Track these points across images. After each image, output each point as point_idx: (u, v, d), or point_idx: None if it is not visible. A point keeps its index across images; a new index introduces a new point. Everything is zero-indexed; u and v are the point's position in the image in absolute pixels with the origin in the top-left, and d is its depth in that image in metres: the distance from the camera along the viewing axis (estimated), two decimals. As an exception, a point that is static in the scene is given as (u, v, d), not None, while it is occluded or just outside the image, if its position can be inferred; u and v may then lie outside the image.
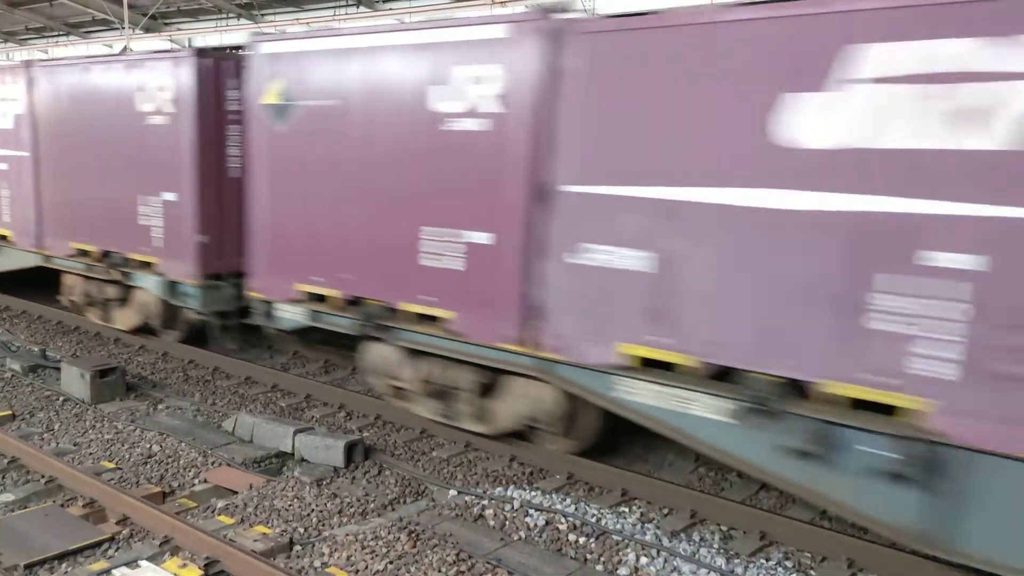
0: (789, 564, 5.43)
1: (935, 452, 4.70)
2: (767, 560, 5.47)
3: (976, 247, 4.44)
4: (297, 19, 22.15)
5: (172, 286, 9.50)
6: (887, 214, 4.69)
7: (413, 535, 5.47)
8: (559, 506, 6.03)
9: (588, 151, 5.84)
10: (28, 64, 10.93)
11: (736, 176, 5.20)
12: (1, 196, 11.65)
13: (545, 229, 6.08)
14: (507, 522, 5.81)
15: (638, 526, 5.83)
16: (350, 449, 6.75)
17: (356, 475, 6.61)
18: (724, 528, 5.89)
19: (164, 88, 9.14)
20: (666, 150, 5.48)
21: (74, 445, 7.05)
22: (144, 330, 10.42)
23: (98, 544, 5.29)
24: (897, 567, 5.26)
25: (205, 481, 6.38)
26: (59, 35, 29.39)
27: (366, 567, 5.10)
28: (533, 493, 6.26)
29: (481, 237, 6.43)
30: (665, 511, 6.12)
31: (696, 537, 5.75)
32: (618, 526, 5.80)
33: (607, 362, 5.90)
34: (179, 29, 25.66)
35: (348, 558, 5.21)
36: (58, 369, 8.73)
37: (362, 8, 21.68)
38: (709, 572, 5.23)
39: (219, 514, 5.77)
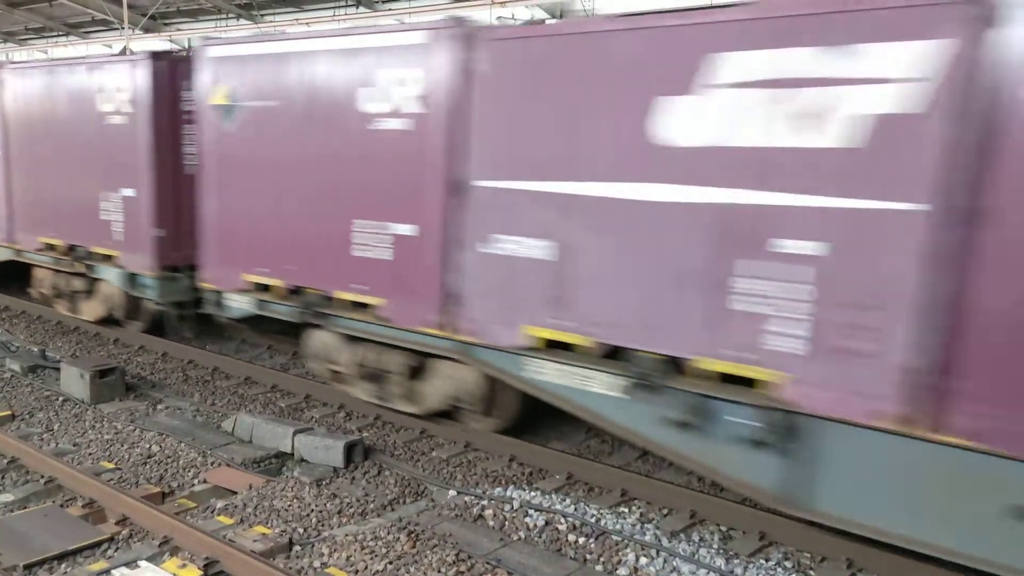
0: (789, 564, 5.43)
1: (790, 420, 5.15)
2: (767, 560, 5.47)
3: (817, 234, 4.88)
4: (297, 19, 22.17)
5: (132, 278, 9.86)
6: (744, 205, 5.14)
7: (413, 535, 5.47)
8: (559, 506, 6.04)
9: (496, 149, 6.27)
10: None
11: (621, 172, 5.66)
12: None
13: (461, 221, 6.50)
14: (507, 522, 5.81)
15: (638, 526, 5.83)
16: (349, 449, 6.76)
17: (356, 475, 6.61)
18: (724, 528, 5.90)
19: (122, 89, 9.44)
20: (562, 148, 5.93)
21: (73, 445, 7.05)
22: (110, 321, 10.71)
23: (97, 544, 5.29)
24: (897, 567, 5.26)
25: (204, 481, 6.38)
26: (59, 35, 29.41)
27: (366, 567, 5.11)
28: (533, 493, 6.27)
29: (406, 229, 6.87)
30: (665, 511, 6.13)
31: (696, 537, 5.75)
32: (618, 526, 5.80)
33: (516, 344, 6.33)
34: (179, 29, 25.68)
35: (348, 558, 5.21)
36: (58, 369, 8.74)
37: (362, 8, 21.70)
38: (709, 572, 5.24)
39: (218, 514, 5.78)
